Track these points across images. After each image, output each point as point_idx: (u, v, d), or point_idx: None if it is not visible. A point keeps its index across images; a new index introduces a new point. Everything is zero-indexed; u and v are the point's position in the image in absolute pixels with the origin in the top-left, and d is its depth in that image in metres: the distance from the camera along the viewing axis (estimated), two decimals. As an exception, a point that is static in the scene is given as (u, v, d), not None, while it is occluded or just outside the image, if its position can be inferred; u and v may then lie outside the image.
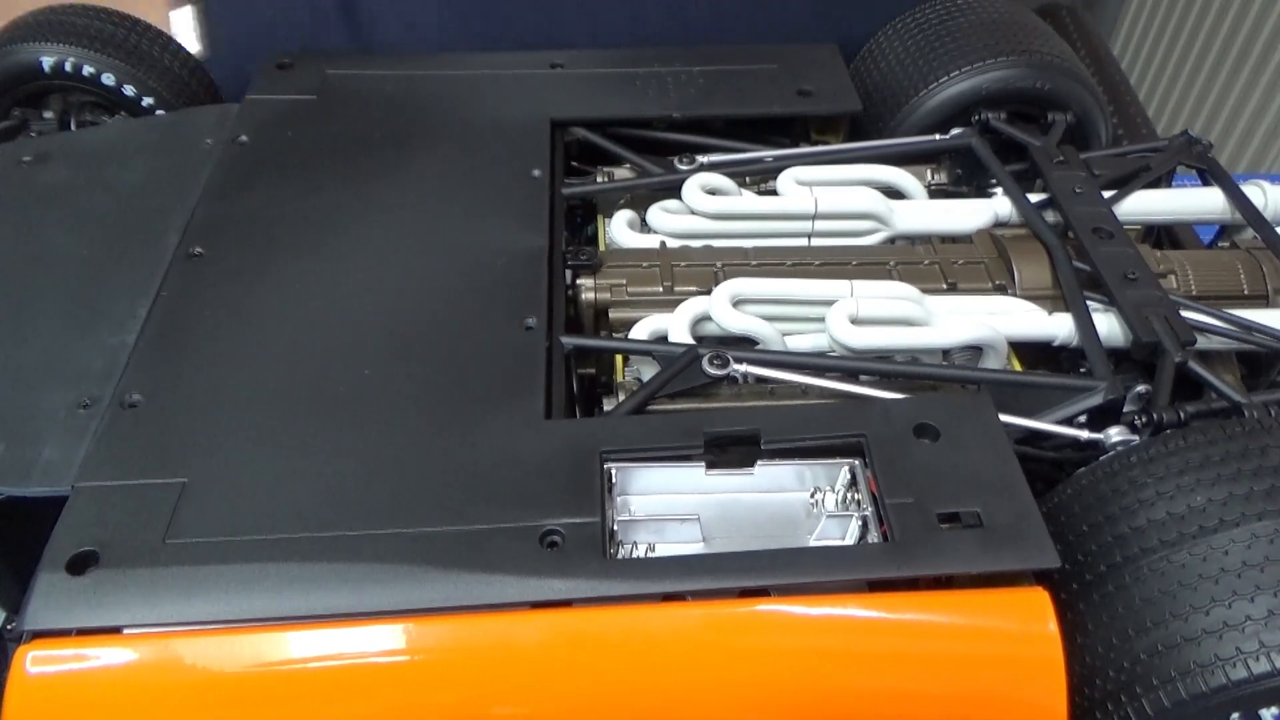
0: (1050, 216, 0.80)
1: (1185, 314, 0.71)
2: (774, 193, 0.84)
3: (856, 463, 0.58)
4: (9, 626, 0.56)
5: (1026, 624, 0.51)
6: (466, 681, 0.50)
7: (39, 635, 0.50)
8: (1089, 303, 0.72)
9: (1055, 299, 0.74)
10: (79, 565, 0.52)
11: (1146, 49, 1.40)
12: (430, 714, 0.50)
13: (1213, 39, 1.29)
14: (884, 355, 0.70)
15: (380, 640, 0.50)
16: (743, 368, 0.64)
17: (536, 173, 0.80)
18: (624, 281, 0.73)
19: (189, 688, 0.49)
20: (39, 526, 0.55)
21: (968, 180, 0.89)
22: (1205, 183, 0.86)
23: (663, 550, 0.56)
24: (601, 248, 0.81)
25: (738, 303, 0.70)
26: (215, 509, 0.55)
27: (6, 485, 0.58)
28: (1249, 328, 0.72)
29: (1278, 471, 0.55)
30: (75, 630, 0.50)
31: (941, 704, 0.52)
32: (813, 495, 0.58)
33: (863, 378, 0.67)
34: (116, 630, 0.50)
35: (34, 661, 0.49)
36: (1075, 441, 0.65)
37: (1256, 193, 0.84)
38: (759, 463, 0.58)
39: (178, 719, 0.49)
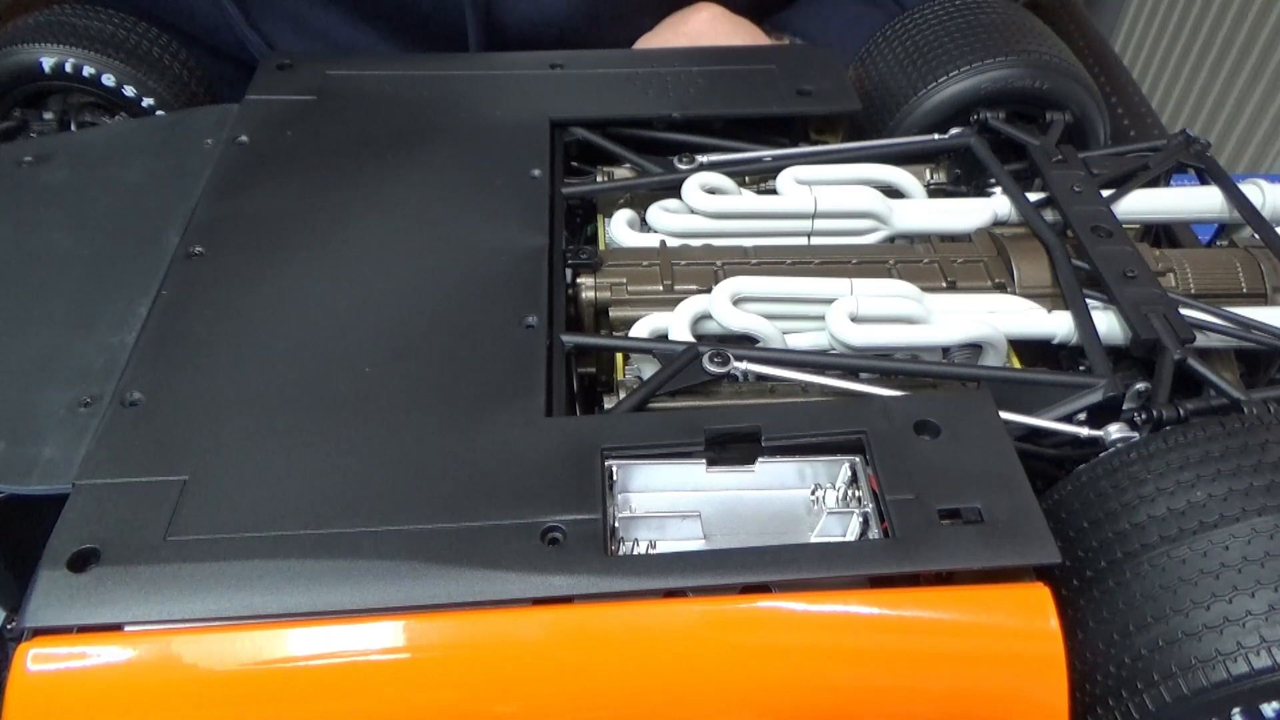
0: (1049, 215, 0.80)
1: (1184, 312, 0.71)
2: (773, 192, 0.84)
3: (857, 459, 0.58)
4: (9, 625, 0.56)
5: (1028, 620, 0.51)
6: (468, 677, 0.50)
7: (40, 633, 0.50)
8: (1088, 301, 0.72)
9: (1054, 297, 0.74)
10: (80, 563, 0.52)
11: (1146, 48, 1.41)
12: (431, 710, 0.50)
13: (1213, 39, 1.29)
14: (884, 353, 0.70)
15: (382, 637, 0.50)
16: (743, 365, 0.64)
17: (536, 172, 0.80)
18: (624, 280, 0.73)
19: (190, 684, 0.49)
20: (39, 525, 0.54)
21: (967, 180, 0.89)
22: (1203, 182, 0.86)
23: (664, 547, 0.56)
24: (601, 247, 0.81)
25: (738, 301, 0.70)
26: (216, 506, 0.55)
27: (7, 484, 0.58)
28: (1247, 325, 0.72)
29: (1277, 467, 0.55)
30: (76, 627, 0.50)
31: (942, 700, 0.52)
32: (813, 492, 0.58)
33: (863, 375, 0.67)
34: (118, 627, 0.50)
35: (35, 659, 0.49)
36: (1075, 438, 0.65)
37: (1255, 192, 0.84)
38: (759, 460, 0.58)
39: (179, 716, 0.49)
